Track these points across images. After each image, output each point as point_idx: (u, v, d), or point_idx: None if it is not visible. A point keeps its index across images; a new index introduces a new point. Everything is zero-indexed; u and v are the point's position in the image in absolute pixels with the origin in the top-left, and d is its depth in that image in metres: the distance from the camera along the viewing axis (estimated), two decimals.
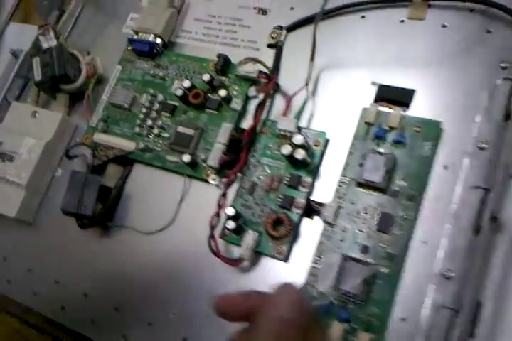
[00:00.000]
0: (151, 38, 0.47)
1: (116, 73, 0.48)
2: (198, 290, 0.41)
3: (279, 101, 0.43)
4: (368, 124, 0.38)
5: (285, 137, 0.40)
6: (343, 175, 0.38)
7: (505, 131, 0.35)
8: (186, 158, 0.41)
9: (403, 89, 0.39)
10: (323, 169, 0.40)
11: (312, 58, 0.40)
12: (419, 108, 0.38)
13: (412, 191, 0.36)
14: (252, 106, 0.43)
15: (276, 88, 0.42)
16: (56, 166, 0.49)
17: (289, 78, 0.43)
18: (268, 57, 0.44)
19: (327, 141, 0.40)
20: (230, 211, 0.39)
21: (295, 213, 0.39)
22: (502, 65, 0.37)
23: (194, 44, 0.48)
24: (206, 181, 0.43)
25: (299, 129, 0.40)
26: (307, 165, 0.39)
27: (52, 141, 0.48)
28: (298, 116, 0.41)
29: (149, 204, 0.45)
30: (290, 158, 0.39)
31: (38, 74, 0.48)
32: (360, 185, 0.37)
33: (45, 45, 0.49)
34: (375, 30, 0.42)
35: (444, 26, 0.40)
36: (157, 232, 0.43)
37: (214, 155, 0.41)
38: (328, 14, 0.42)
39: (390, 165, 0.36)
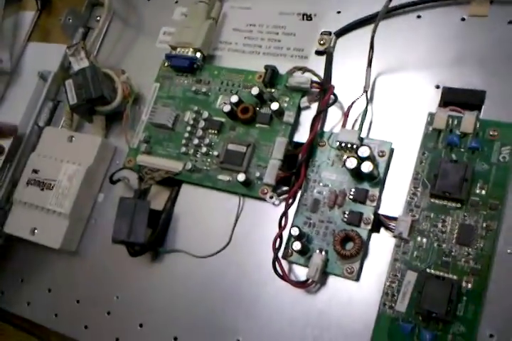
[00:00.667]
0: (190, 52, 0.46)
1: (155, 91, 0.48)
2: (263, 315, 0.39)
3: (332, 111, 0.42)
4: (437, 131, 0.37)
5: (347, 149, 0.39)
6: (414, 187, 0.37)
7: None
8: (241, 176, 0.40)
9: (472, 90, 0.37)
10: (388, 180, 0.39)
11: (370, 63, 0.39)
12: (491, 110, 0.37)
13: (493, 200, 0.35)
14: (304, 117, 0.42)
15: (335, 98, 0.41)
16: (97, 191, 0.48)
17: (342, 86, 0.42)
18: (317, 64, 0.43)
19: (392, 151, 0.39)
20: (295, 231, 0.38)
21: (364, 229, 0.37)
22: None
23: (235, 56, 0.47)
24: (261, 199, 0.41)
25: (361, 140, 0.39)
26: (373, 178, 0.38)
27: (93, 165, 0.47)
28: (360, 127, 0.39)
29: (201, 226, 0.44)
30: (354, 172, 0.38)
31: (72, 98, 0.47)
32: (434, 196, 0.36)
33: (76, 67, 0.49)
34: (433, 30, 0.40)
35: (510, 22, 0.38)
36: (212, 255, 0.42)
37: (270, 172, 0.40)
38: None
39: (467, 174, 0.35)
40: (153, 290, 0.44)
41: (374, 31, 0.38)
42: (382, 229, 0.39)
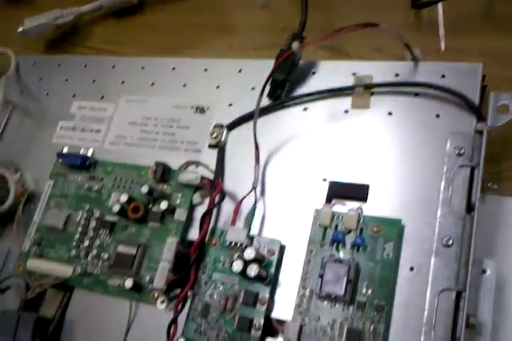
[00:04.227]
0: (82, 149, 0.50)
1: (48, 189, 0.51)
2: None
3: (227, 207, 0.45)
4: (323, 227, 0.41)
5: (236, 249, 0.42)
6: (303, 287, 0.40)
7: (469, 224, 0.37)
8: (128, 282, 0.43)
9: (356, 184, 0.42)
10: (282, 279, 0.41)
11: (257, 160, 0.43)
12: (375, 205, 0.41)
13: (379, 300, 0.38)
14: (198, 213, 0.46)
15: (223, 195, 0.44)
16: None
17: (236, 180, 0.45)
18: (211, 158, 0.47)
19: (283, 248, 0.42)
20: None
21: (254, 336, 0.40)
22: (456, 151, 0.40)
23: (130, 150, 0.51)
24: (152, 304, 0.44)
25: (251, 238, 0.42)
26: (263, 279, 0.41)
27: None
28: (249, 224, 0.43)
29: (94, 334, 0.45)
30: (243, 274, 0.40)
31: None
32: (322, 298, 0.39)
33: None
34: (319, 123, 0.45)
35: (390, 113, 0.43)
36: None
37: (160, 276, 0.43)
38: (267, 110, 0.46)
39: (352, 274, 0.38)
40: None
41: (254, 128, 0.42)
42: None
